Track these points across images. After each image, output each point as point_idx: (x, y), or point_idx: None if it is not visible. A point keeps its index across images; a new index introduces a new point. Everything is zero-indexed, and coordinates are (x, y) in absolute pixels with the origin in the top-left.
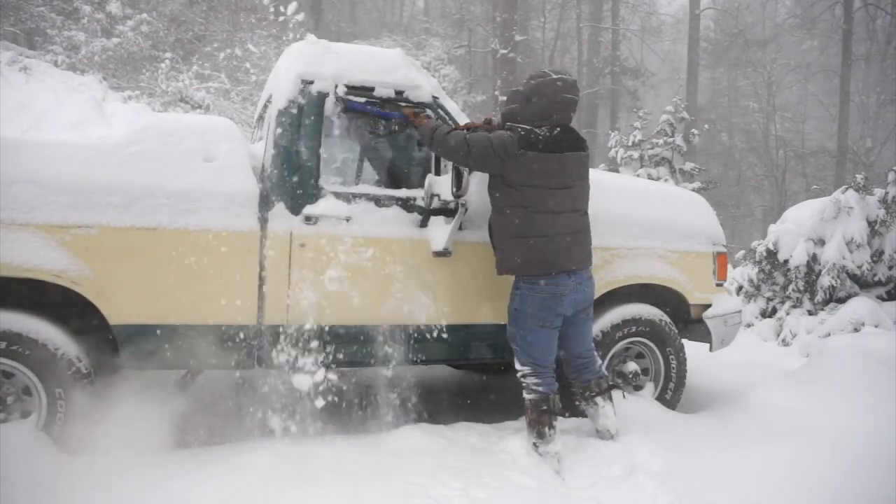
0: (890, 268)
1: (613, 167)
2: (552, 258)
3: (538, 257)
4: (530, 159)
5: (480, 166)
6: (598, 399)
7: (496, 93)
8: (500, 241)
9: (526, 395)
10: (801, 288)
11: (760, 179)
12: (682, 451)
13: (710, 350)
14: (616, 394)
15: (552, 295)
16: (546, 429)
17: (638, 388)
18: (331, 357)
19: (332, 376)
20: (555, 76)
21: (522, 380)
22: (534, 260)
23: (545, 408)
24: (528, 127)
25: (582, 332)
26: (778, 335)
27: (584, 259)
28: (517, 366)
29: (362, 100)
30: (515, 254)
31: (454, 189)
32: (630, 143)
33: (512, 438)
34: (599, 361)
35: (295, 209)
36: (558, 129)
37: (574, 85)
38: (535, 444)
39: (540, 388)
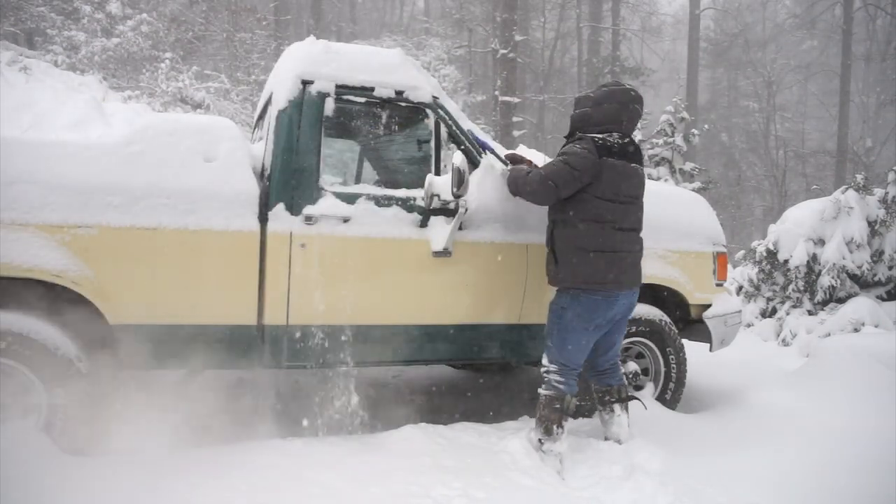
0: (890, 268)
1: None
2: (615, 277)
3: (604, 274)
4: (608, 166)
5: (572, 191)
6: (616, 406)
7: (496, 93)
8: (565, 255)
9: (543, 391)
10: (801, 288)
11: (760, 179)
12: (682, 452)
13: (710, 350)
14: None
15: (605, 302)
16: (554, 427)
17: (638, 388)
18: (331, 357)
19: (333, 376)
20: (627, 86)
21: (545, 375)
22: (598, 277)
23: (558, 406)
24: (602, 136)
25: (617, 338)
26: (778, 335)
27: (639, 279)
28: (544, 361)
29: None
30: (581, 268)
31: (454, 189)
32: None
33: (512, 438)
34: (622, 369)
35: (295, 209)
36: (627, 138)
37: (642, 100)
38: (539, 440)
39: (560, 387)
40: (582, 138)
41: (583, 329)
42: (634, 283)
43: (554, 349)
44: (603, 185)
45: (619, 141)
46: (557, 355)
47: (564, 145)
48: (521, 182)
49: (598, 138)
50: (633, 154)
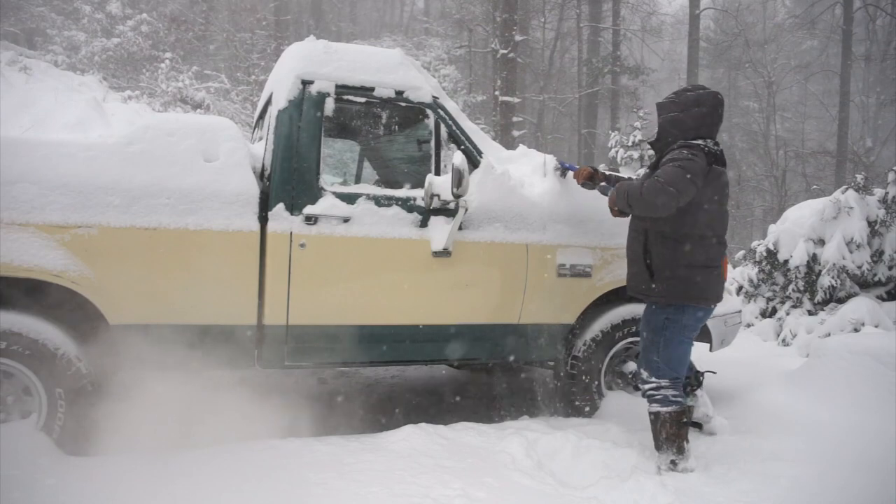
0: (890, 268)
1: (613, 167)
2: (716, 292)
3: (711, 290)
4: (715, 174)
5: (688, 199)
6: (698, 391)
7: (496, 93)
8: (668, 270)
9: (662, 409)
10: (801, 288)
11: (760, 179)
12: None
13: (710, 350)
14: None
15: (706, 314)
16: (685, 443)
17: (638, 388)
18: (331, 357)
19: (333, 376)
20: (712, 90)
21: (655, 392)
22: (705, 293)
23: (686, 420)
24: (701, 142)
25: (690, 352)
26: (778, 335)
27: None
28: (652, 379)
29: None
30: (687, 284)
31: (454, 189)
32: (630, 144)
33: (512, 438)
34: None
35: (295, 209)
36: (717, 144)
37: (724, 103)
38: (673, 461)
39: (680, 400)
40: (688, 145)
41: (687, 340)
42: (720, 297)
43: (661, 363)
44: (710, 195)
45: (715, 146)
46: (667, 369)
47: (667, 153)
48: (635, 193)
49: (703, 145)
50: (724, 160)
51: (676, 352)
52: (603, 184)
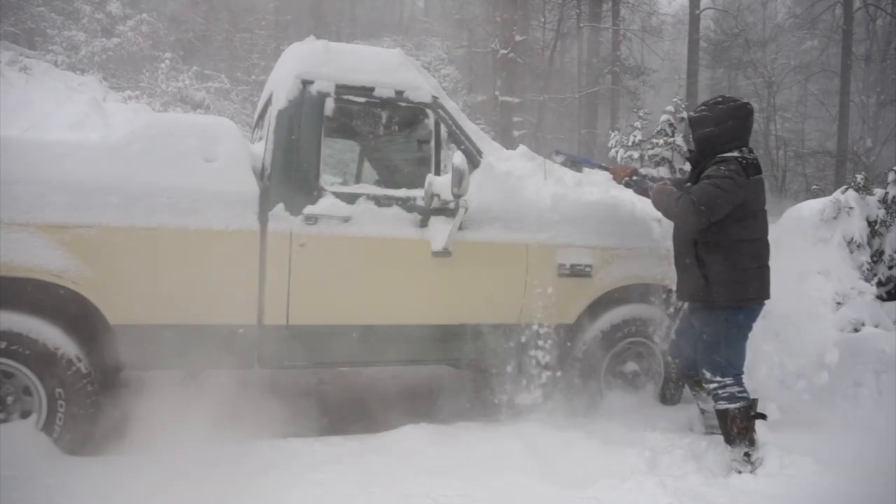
0: (890, 268)
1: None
2: (765, 289)
3: (762, 288)
4: (755, 183)
5: (722, 215)
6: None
7: (496, 93)
8: (723, 274)
9: (730, 405)
10: None
11: None
12: (682, 451)
13: None
14: None
15: (760, 310)
16: (754, 435)
17: (638, 388)
18: (331, 357)
19: (333, 376)
20: (742, 101)
21: (721, 391)
22: (756, 292)
23: (754, 413)
24: (738, 154)
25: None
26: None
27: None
28: (717, 378)
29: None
30: (742, 286)
31: (454, 189)
32: (630, 143)
33: (512, 438)
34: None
35: (295, 209)
36: (752, 151)
37: (754, 111)
38: (746, 454)
39: (745, 395)
40: (726, 160)
41: (744, 337)
42: (768, 294)
43: (724, 362)
44: (754, 203)
45: (750, 154)
46: (731, 367)
47: (708, 167)
48: (669, 204)
49: (741, 158)
50: (760, 167)
51: (738, 350)
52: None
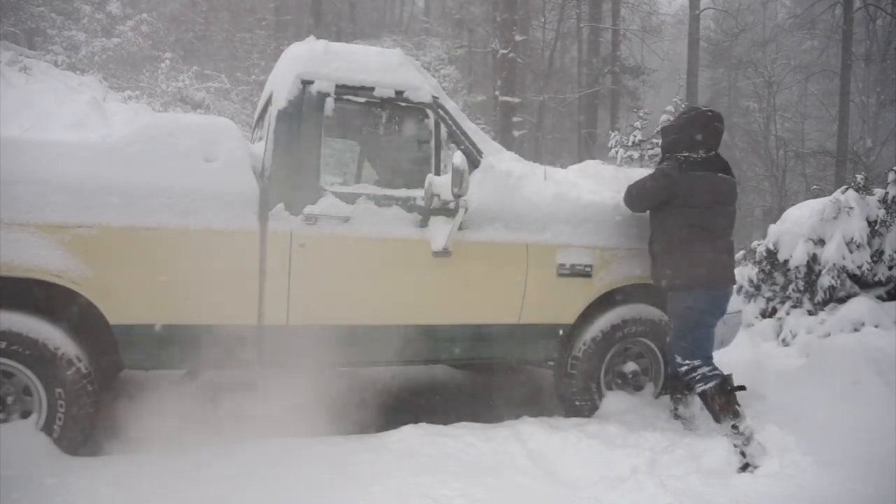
0: (890, 268)
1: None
2: (722, 273)
3: (716, 272)
4: (694, 178)
5: (650, 203)
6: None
7: (496, 93)
8: (675, 259)
9: (703, 385)
10: (801, 288)
11: (760, 179)
12: (682, 451)
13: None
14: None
15: (724, 296)
16: (738, 407)
17: (638, 388)
18: (331, 357)
19: (333, 376)
20: (704, 109)
21: (692, 373)
22: (714, 275)
23: (730, 387)
24: (685, 154)
25: (714, 333)
26: (778, 335)
27: (730, 278)
28: (684, 362)
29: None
30: (695, 269)
31: (454, 189)
32: (630, 143)
33: (512, 438)
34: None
35: (295, 209)
36: (712, 153)
37: (721, 117)
38: (734, 426)
39: (717, 372)
40: (669, 158)
41: (707, 324)
42: (732, 278)
43: (688, 347)
44: (697, 196)
45: (704, 155)
46: (697, 351)
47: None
48: (625, 190)
49: (682, 156)
50: (721, 166)
51: (700, 333)
52: None
